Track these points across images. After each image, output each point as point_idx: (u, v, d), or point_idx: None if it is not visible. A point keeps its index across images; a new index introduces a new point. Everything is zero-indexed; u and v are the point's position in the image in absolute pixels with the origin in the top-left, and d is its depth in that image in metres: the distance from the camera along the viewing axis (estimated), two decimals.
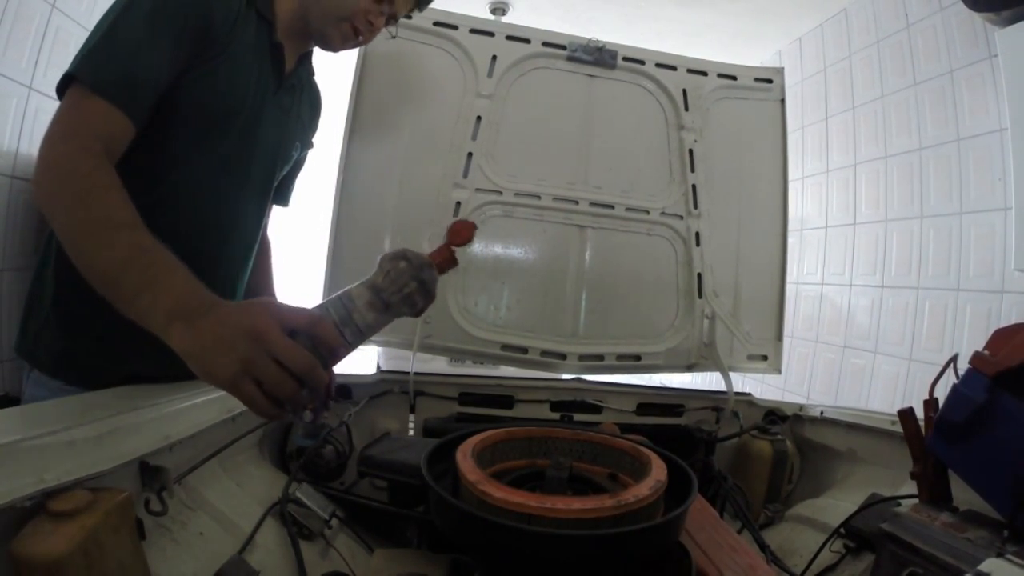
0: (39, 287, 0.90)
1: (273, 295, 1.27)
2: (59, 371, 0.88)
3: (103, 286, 0.64)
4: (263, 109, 0.95)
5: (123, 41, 0.76)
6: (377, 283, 0.64)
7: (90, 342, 0.87)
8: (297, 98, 1.05)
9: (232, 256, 1.02)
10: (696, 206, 1.51)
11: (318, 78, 1.15)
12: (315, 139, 1.20)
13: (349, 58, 1.38)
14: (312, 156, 1.24)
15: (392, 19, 1.00)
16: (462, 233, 0.70)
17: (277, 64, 0.96)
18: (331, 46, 0.99)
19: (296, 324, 0.58)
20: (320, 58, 1.11)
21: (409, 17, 1.08)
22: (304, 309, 0.61)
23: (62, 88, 0.76)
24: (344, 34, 0.96)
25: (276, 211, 1.30)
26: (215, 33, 0.84)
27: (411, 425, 1.28)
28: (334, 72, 1.33)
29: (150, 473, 0.65)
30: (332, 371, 0.63)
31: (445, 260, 0.68)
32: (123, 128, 0.76)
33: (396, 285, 0.64)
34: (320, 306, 0.64)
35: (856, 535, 0.88)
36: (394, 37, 1.04)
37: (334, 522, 0.87)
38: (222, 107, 0.88)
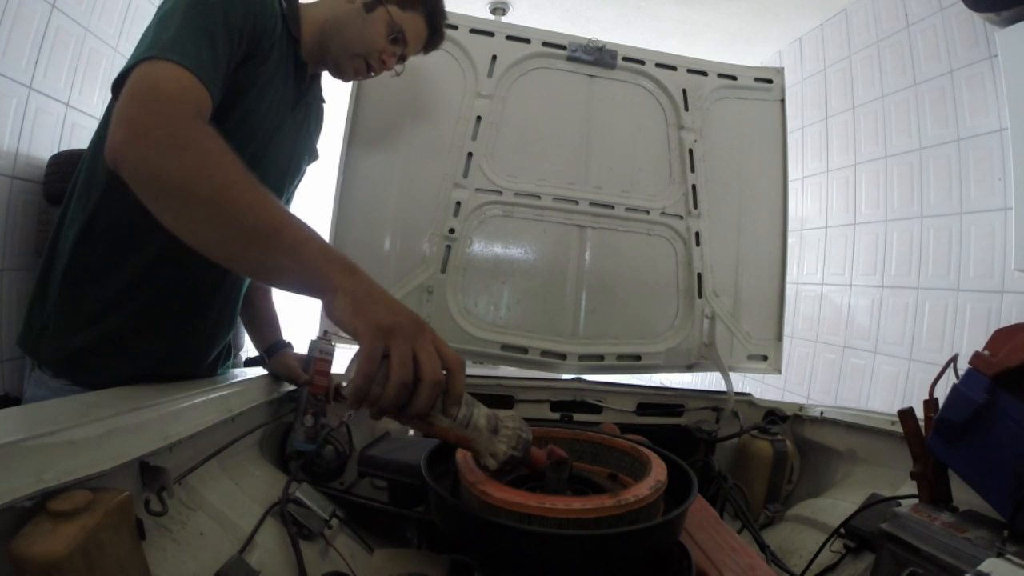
0: (44, 287, 0.89)
1: (271, 303, 1.27)
2: (64, 370, 0.87)
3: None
4: (282, 124, 0.96)
5: (200, 31, 0.73)
6: (500, 424, 0.68)
7: (98, 341, 0.87)
8: (307, 113, 1.07)
9: (236, 280, 1.01)
10: (696, 206, 1.51)
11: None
12: (318, 149, 1.21)
13: None
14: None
15: (402, 59, 1.04)
16: (557, 453, 0.73)
17: (299, 81, 0.98)
18: (343, 76, 1.03)
19: (445, 351, 0.60)
20: None
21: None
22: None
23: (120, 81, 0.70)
24: (357, 69, 1.00)
25: None
26: (261, 43, 0.85)
27: None
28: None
29: (150, 473, 0.65)
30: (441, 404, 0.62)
31: (539, 462, 0.71)
32: (209, 111, 0.72)
33: (510, 442, 0.67)
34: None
35: (856, 535, 0.88)
36: (399, 75, 1.07)
37: (334, 522, 0.87)
38: (249, 118, 0.88)
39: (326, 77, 1.07)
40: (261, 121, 0.90)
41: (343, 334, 1.33)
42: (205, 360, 1.00)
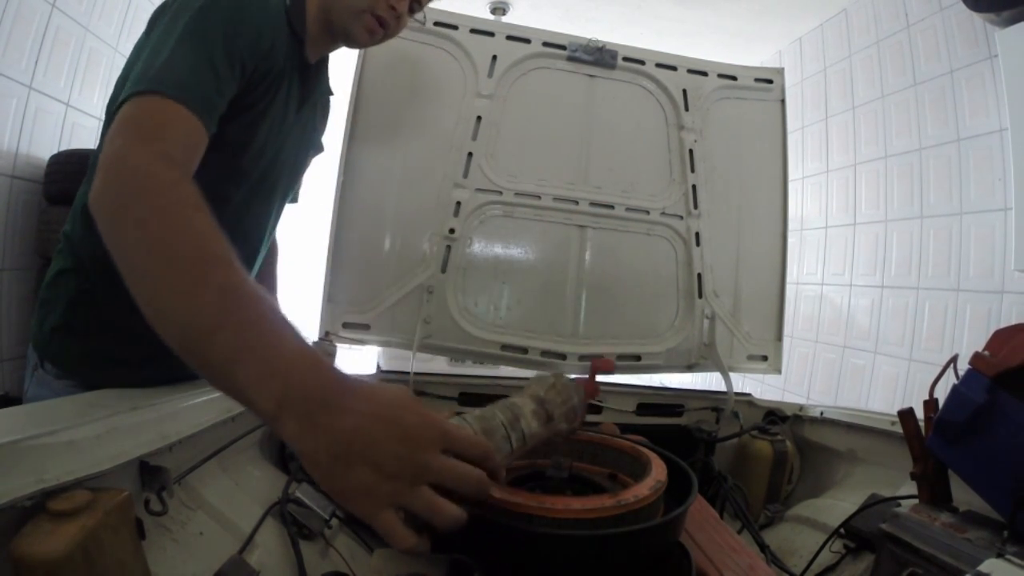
0: (54, 291, 0.87)
1: (275, 295, 1.27)
2: (73, 372, 0.87)
3: (179, 340, 0.48)
4: (289, 133, 0.95)
5: (199, 54, 0.69)
6: (541, 395, 0.64)
7: (109, 347, 0.86)
8: (313, 108, 1.04)
9: (252, 269, 1.02)
10: (696, 206, 1.51)
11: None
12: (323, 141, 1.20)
13: (350, 58, 1.38)
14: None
15: (416, 4, 0.95)
16: (605, 367, 0.75)
17: (304, 82, 0.95)
18: (357, 42, 0.95)
19: (465, 449, 0.48)
20: None
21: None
22: (461, 425, 0.52)
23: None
24: (368, 27, 0.91)
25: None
26: (266, 65, 0.81)
27: None
28: (335, 72, 1.33)
29: (150, 473, 0.65)
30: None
31: (592, 389, 0.71)
32: (203, 142, 0.66)
33: (561, 397, 0.65)
34: (490, 421, 0.60)
35: (856, 535, 0.88)
36: (423, 23, 0.98)
37: (334, 522, 0.86)
38: (259, 142, 0.87)
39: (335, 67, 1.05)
40: (267, 139, 0.89)
41: (343, 335, 1.34)
42: None
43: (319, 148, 1.17)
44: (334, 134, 1.33)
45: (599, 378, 0.85)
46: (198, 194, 0.56)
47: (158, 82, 0.64)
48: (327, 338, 1.15)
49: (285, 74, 0.88)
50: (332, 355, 1.10)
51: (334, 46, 0.99)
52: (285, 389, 0.44)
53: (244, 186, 0.91)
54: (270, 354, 0.45)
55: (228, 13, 0.74)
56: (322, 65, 1.03)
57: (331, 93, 1.11)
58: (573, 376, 0.70)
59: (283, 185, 1.02)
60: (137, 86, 0.64)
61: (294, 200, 1.23)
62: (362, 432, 0.44)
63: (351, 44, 0.97)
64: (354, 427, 0.44)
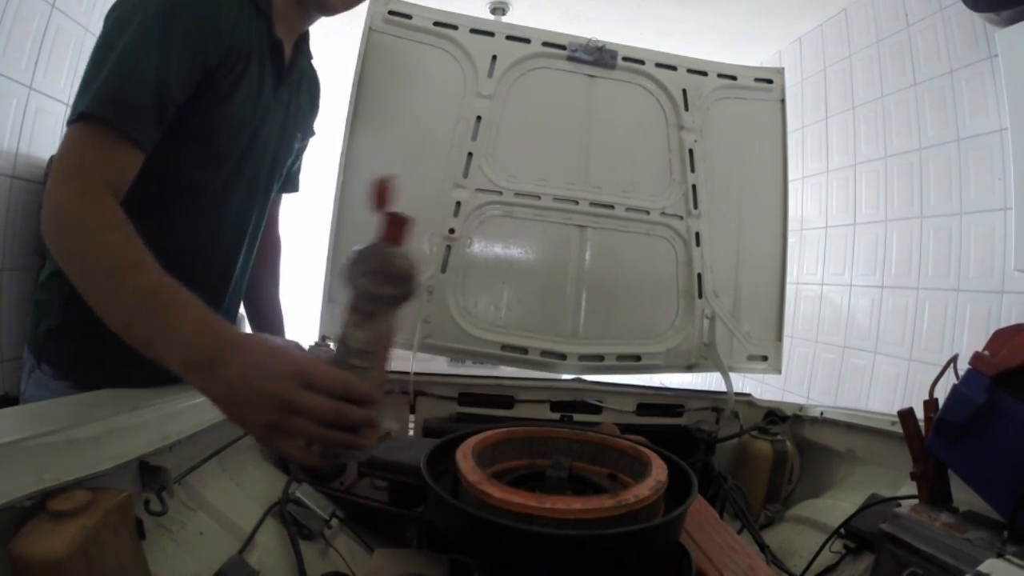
0: (48, 293, 0.88)
1: (277, 296, 1.27)
2: (70, 373, 0.87)
3: (120, 333, 0.63)
4: (267, 113, 0.94)
5: (137, 69, 0.72)
6: (351, 302, 0.61)
7: (105, 348, 0.87)
8: (295, 89, 1.02)
9: (239, 257, 1.01)
10: (696, 206, 1.51)
11: (317, 65, 1.12)
12: (315, 126, 1.18)
13: (349, 58, 1.38)
14: (312, 156, 1.24)
15: None
16: (394, 223, 0.62)
17: (277, 61, 0.94)
18: (332, 8, 0.94)
19: (319, 380, 0.57)
20: (321, 57, 1.10)
21: None
22: (311, 358, 0.60)
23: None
24: None
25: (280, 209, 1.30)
26: (225, 50, 0.81)
27: (411, 425, 1.28)
28: (334, 72, 1.33)
29: (150, 473, 0.65)
30: (373, 401, 0.61)
31: (392, 233, 0.61)
32: (131, 158, 0.74)
33: (362, 289, 0.60)
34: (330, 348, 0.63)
35: (856, 535, 0.88)
36: None
37: (334, 522, 0.87)
38: (231, 125, 0.87)
39: (326, 70, 1.04)
40: (241, 121, 0.89)
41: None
42: None
43: (309, 132, 1.15)
44: (334, 134, 1.34)
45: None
46: (111, 210, 0.67)
47: (97, 102, 0.70)
48: (324, 343, 1.16)
49: (253, 53, 0.87)
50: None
51: (308, 19, 0.98)
52: (188, 353, 0.58)
53: (223, 172, 0.90)
54: (176, 330, 0.59)
55: (180, 4, 0.75)
56: (302, 44, 1.01)
57: (311, 57, 1.08)
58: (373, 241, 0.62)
59: (268, 170, 1.00)
60: (78, 107, 0.71)
61: (294, 189, 1.23)
62: (243, 379, 0.56)
63: (325, 12, 0.95)
64: (237, 376, 0.56)
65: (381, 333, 0.62)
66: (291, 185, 1.21)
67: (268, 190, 1.05)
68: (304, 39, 1.01)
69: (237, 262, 1.02)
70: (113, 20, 0.75)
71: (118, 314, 0.63)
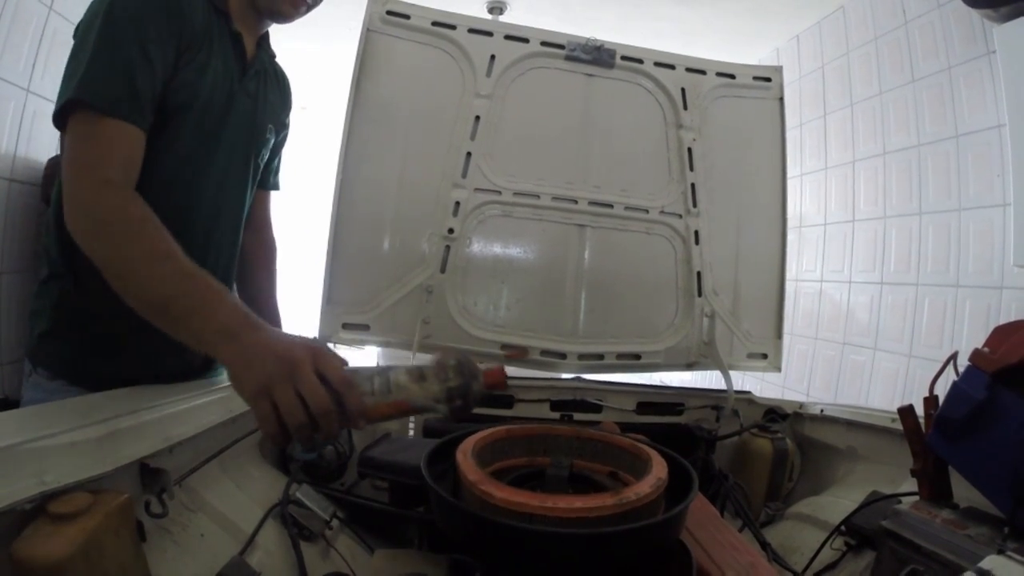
0: (40, 300, 0.91)
1: (275, 299, 1.27)
2: (62, 373, 0.88)
3: (152, 313, 0.69)
4: (234, 98, 0.97)
5: (117, 56, 0.77)
6: (424, 369, 0.66)
7: (96, 347, 0.89)
8: (262, 82, 1.06)
9: (220, 243, 1.03)
10: (695, 204, 1.51)
11: (282, 62, 1.16)
12: (288, 121, 1.22)
13: (348, 58, 1.38)
14: (312, 156, 1.24)
15: None
16: (516, 355, 0.72)
17: (239, 53, 0.98)
18: (284, 16, 1.00)
19: (329, 373, 0.61)
20: (321, 56, 1.10)
21: None
22: (347, 365, 0.64)
23: (61, 115, 0.76)
24: (293, 2, 0.98)
25: (276, 208, 1.30)
26: (192, 34, 0.87)
27: (411, 425, 1.28)
28: (333, 72, 1.33)
29: (150, 475, 0.65)
30: (347, 421, 0.63)
31: (496, 379, 0.69)
32: (138, 142, 0.79)
33: (440, 376, 0.65)
34: (366, 369, 0.66)
35: (857, 533, 0.88)
36: None
37: (335, 523, 0.87)
38: (199, 106, 0.90)
39: (326, 69, 1.06)
40: (212, 104, 0.92)
41: (343, 336, 1.34)
42: (199, 357, 0.99)
43: (282, 126, 1.18)
44: (332, 135, 1.33)
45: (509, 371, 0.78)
46: (141, 205, 0.74)
47: (87, 92, 0.75)
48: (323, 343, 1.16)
49: (215, 42, 0.92)
50: None
51: (263, 23, 1.04)
52: (224, 322, 0.65)
53: (195, 157, 0.93)
54: (215, 305, 0.67)
55: (138, 3, 0.80)
56: (264, 42, 1.07)
57: (273, 56, 1.12)
58: (483, 365, 0.69)
59: (242, 158, 1.03)
60: (70, 94, 0.75)
61: (276, 187, 1.25)
62: (266, 344, 0.62)
63: (278, 20, 1.02)
64: (263, 340, 0.63)
65: (410, 399, 0.65)
66: (271, 184, 1.23)
67: (244, 177, 1.06)
68: (264, 39, 1.07)
69: (222, 250, 1.03)
70: (87, 18, 0.82)
71: (155, 295, 0.69)
